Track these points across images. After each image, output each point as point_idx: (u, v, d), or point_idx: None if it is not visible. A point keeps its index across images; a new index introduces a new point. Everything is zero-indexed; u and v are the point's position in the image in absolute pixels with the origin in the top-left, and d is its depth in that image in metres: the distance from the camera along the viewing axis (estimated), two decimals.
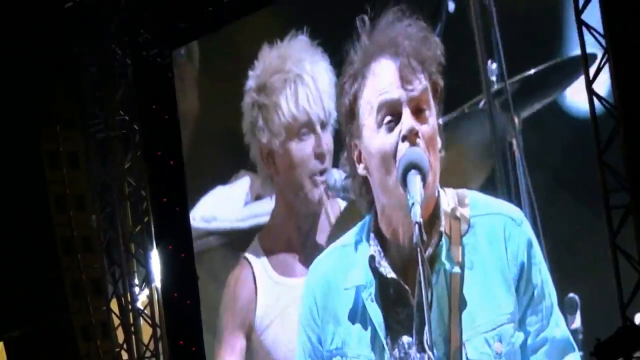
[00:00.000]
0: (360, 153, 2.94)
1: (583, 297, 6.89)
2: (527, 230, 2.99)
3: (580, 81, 6.92)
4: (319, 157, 8.37)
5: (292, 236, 8.66)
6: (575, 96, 7.16)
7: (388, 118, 2.86)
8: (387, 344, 2.93)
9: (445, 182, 2.99)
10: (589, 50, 6.80)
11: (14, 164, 9.87)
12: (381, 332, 2.93)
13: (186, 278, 9.50)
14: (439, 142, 2.91)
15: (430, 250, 2.89)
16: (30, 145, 9.94)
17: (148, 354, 9.80)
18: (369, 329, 2.97)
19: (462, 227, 2.94)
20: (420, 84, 2.87)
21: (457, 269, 2.90)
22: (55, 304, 9.94)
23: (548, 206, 7.12)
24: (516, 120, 7.38)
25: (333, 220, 8.40)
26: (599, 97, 6.78)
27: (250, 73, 8.76)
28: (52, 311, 9.92)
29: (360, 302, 2.99)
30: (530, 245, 2.97)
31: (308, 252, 8.43)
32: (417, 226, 2.70)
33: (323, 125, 8.37)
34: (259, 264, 8.79)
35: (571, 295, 6.94)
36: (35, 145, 9.93)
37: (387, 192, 2.89)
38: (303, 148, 8.42)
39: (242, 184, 9.06)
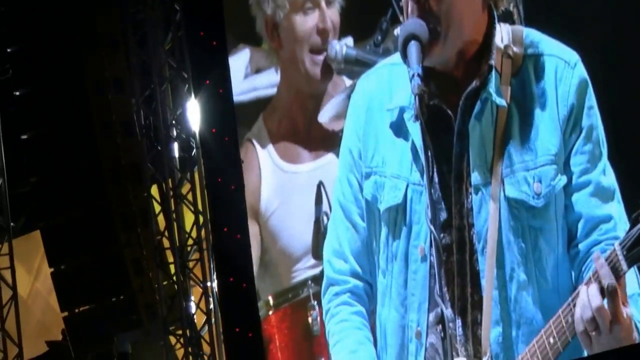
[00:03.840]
0: None
1: None
2: (581, 72, 2.95)
3: None
4: (322, 33, 8.18)
5: (297, 117, 8.46)
6: None
7: None
8: (426, 166, 2.90)
9: None
10: None
11: (53, 51, 9.52)
12: (421, 154, 2.89)
13: (230, 162, 9.15)
14: None
15: (476, 82, 2.88)
16: (69, 32, 9.56)
17: (190, 242, 9.50)
18: (410, 150, 2.96)
19: (513, 66, 2.92)
20: None
21: (503, 103, 2.87)
22: (93, 191, 9.60)
23: None
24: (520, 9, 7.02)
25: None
26: None
27: None
28: (90, 199, 9.59)
29: (402, 123, 2.99)
30: (584, 85, 2.93)
31: (313, 136, 8.26)
32: (416, 98, 2.69)
33: (328, 2, 8.17)
34: (263, 148, 8.58)
35: None
36: (73, 31, 9.55)
37: None
38: (306, 22, 8.27)
39: (242, 57, 8.78)
